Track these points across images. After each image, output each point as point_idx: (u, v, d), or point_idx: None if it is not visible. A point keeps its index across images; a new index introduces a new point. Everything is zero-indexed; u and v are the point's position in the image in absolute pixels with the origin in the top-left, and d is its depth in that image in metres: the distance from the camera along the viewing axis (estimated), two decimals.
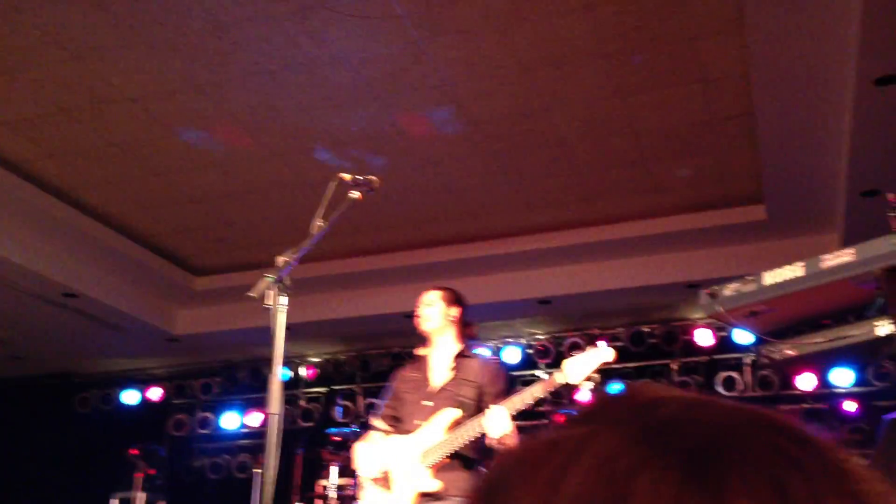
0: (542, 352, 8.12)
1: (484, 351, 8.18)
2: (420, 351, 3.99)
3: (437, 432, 3.64)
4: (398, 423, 3.85)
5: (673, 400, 0.47)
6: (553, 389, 3.57)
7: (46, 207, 6.46)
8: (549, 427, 0.49)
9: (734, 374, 7.74)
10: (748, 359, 7.77)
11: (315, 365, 8.85)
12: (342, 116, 5.48)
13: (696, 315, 7.88)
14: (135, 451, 8.12)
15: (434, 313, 3.86)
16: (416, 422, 3.73)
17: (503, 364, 4.44)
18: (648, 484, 0.41)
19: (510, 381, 3.94)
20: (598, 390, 3.82)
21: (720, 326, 7.72)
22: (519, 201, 6.65)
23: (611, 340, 8.06)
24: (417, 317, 3.90)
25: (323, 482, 7.12)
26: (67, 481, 8.80)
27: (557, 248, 7.10)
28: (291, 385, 8.85)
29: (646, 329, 7.98)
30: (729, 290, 3.25)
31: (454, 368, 3.81)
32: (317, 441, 7.68)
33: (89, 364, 9.17)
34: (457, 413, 3.65)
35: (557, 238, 7.05)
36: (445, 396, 3.74)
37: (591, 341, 7.79)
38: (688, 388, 7.80)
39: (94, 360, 9.07)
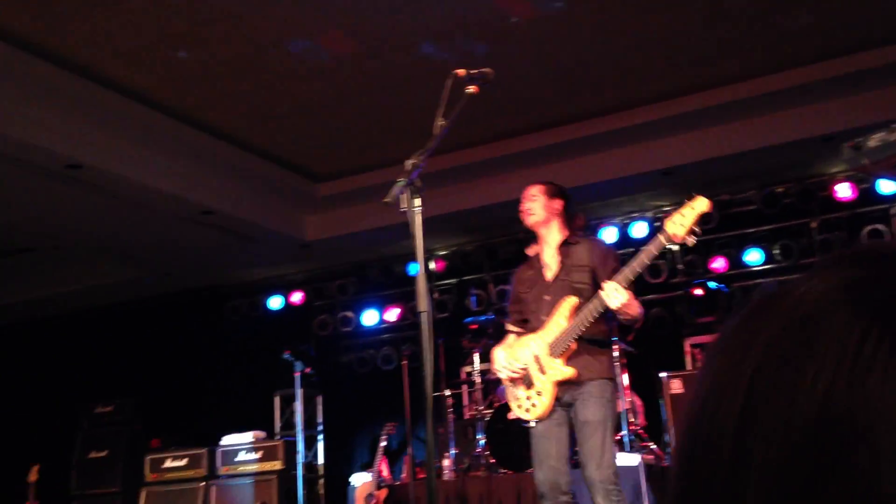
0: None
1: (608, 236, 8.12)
2: (530, 250, 4.10)
3: (560, 322, 3.74)
4: (527, 324, 3.97)
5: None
6: (658, 251, 3.59)
7: (173, 131, 6.75)
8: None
9: (880, 227, 7.36)
10: (895, 209, 7.38)
11: (443, 258, 9.03)
12: (440, 6, 5.38)
13: (834, 169, 7.48)
14: (287, 352, 8.65)
15: (537, 207, 3.94)
16: (542, 318, 3.84)
17: (611, 245, 4.50)
18: (840, 325, 0.42)
19: (619, 259, 3.93)
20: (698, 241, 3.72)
21: (861, 178, 7.32)
22: (630, 72, 6.39)
23: (743, 205, 7.81)
24: (522, 212, 3.99)
25: (467, 369, 7.39)
26: (231, 384, 9.49)
27: (676, 116, 6.82)
28: None
29: (779, 189, 7.65)
30: (874, 140, 3.05)
31: (560, 257, 3.89)
32: (454, 331, 7.93)
33: (234, 275, 9.68)
34: (573, 300, 3.74)
35: (675, 105, 6.77)
36: (560, 286, 3.83)
37: (722, 208, 7.64)
38: (830, 245, 7.49)
39: (238, 271, 9.57)
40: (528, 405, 3.82)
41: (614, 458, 3.72)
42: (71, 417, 8.77)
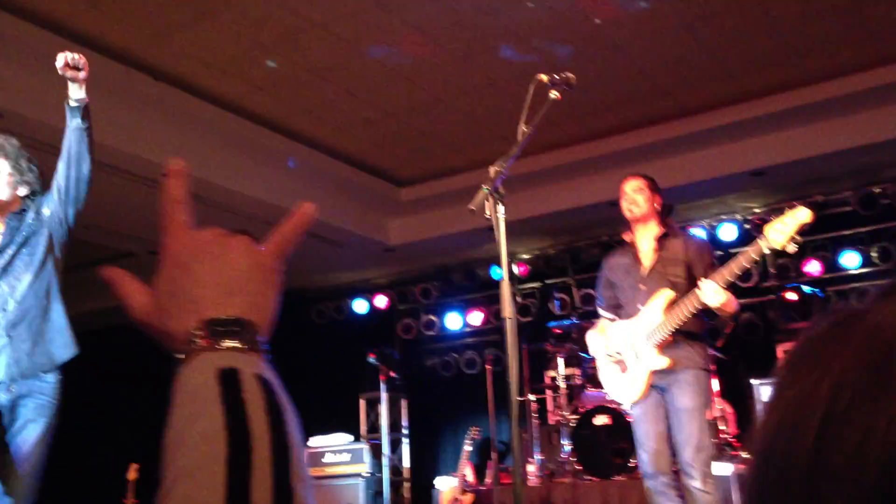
0: (761, 225, 7.69)
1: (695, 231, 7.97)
2: (626, 237, 4.19)
3: (656, 313, 3.85)
4: (620, 309, 4.11)
5: None
6: (758, 257, 3.68)
7: (262, 139, 6.93)
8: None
9: None
10: None
11: (526, 262, 8.98)
12: (522, 9, 5.36)
13: None
14: (372, 355, 8.76)
15: (642, 200, 4.03)
16: (637, 306, 3.96)
17: (706, 239, 4.60)
18: None
19: (715, 254, 4.11)
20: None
21: None
22: (718, 71, 6.24)
23: (838, 206, 7.53)
24: (624, 203, 4.07)
25: (551, 373, 7.34)
26: (318, 386, 9.66)
27: (766, 115, 6.63)
28: None
29: (877, 189, 7.33)
30: None
31: (658, 250, 4.01)
32: (538, 335, 7.88)
33: (320, 278, 9.85)
34: (670, 294, 3.85)
35: (766, 104, 6.58)
36: (656, 278, 3.95)
37: (817, 210, 7.36)
38: None
39: (324, 275, 9.73)
40: (624, 390, 3.96)
41: (710, 443, 3.83)
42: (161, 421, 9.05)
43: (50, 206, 3.28)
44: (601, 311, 4.24)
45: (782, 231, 3.54)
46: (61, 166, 3.24)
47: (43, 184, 3.38)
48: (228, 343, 0.60)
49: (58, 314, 3.29)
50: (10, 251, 3.23)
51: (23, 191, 3.31)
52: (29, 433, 3.13)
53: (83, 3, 5.15)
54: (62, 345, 3.27)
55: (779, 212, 7.54)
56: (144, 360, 10.46)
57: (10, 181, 3.26)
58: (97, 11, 5.24)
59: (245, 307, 0.63)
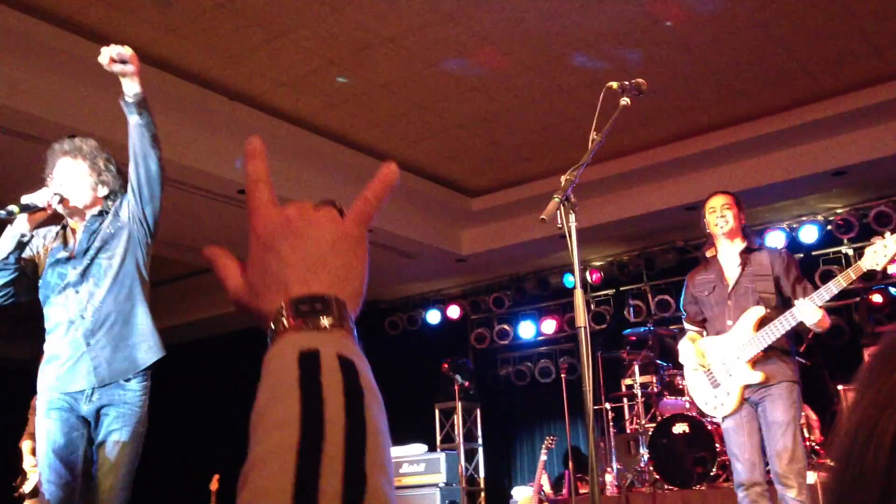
0: (844, 226, 7.47)
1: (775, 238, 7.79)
2: (709, 253, 4.26)
3: (747, 330, 3.93)
4: (705, 323, 4.20)
5: None
6: (857, 276, 3.77)
7: (334, 153, 7.04)
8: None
9: None
10: None
11: (599, 268, 8.89)
12: (590, 15, 5.33)
13: None
14: (446, 365, 8.78)
15: (731, 216, 4.10)
16: (726, 321, 4.03)
17: (788, 251, 4.57)
18: None
19: (798, 263, 4.14)
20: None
21: None
22: (794, 70, 6.08)
23: None
24: (711, 218, 4.13)
25: (627, 381, 7.24)
26: (392, 397, 9.69)
27: (847, 113, 6.42)
28: None
29: None
30: None
31: (743, 264, 4.07)
32: (613, 342, 7.79)
33: (392, 290, 9.94)
34: (761, 311, 3.93)
35: (845, 102, 6.38)
36: (743, 293, 4.02)
37: None
38: None
39: (396, 286, 9.82)
40: (716, 403, 4.02)
41: (804, 454, 3.87)
42: (248, 428, 9.25)
43: (128, 207, 3.19)
44: (686, 326, 4.32)
45: (884, 253, 3.66)
46: (131, 167, 3.13)
47: (123, 186, 3.25)
48: (313, 322, 0.60)
49: (142, 318, 3.16)
50: (88, 256, 3.14)
51: (102, 191, 3.22)
52: (112, 444, 3.03)
53: (161, 28, 5.34)
54: (146, 349, 3.14)
55: (863, 211, 7.35)
56: (225, 373, 10.74)
57: (89, 182, 3.18)
58: (174, 35, 5.42)
59: (331, 282, 0.63)
